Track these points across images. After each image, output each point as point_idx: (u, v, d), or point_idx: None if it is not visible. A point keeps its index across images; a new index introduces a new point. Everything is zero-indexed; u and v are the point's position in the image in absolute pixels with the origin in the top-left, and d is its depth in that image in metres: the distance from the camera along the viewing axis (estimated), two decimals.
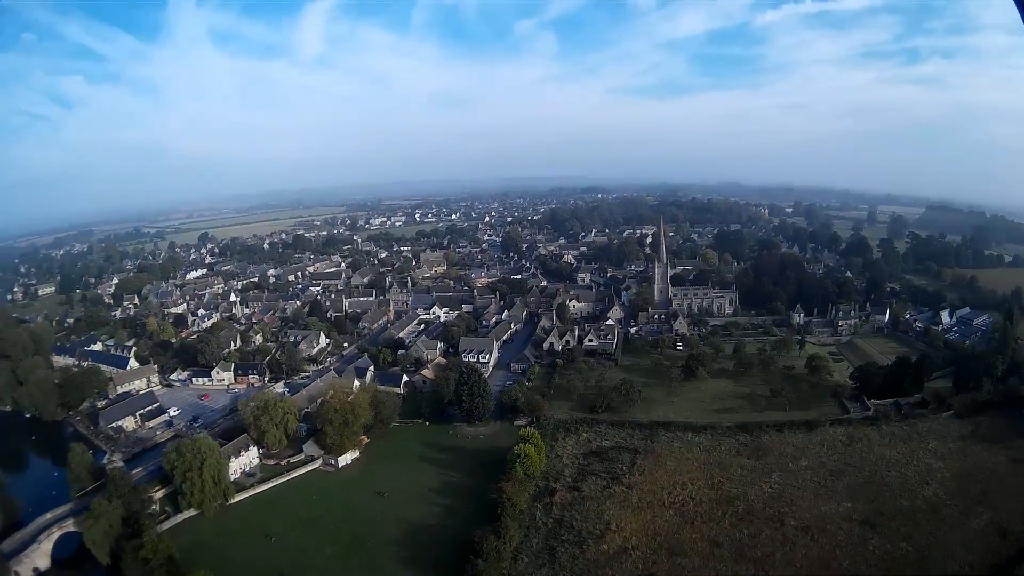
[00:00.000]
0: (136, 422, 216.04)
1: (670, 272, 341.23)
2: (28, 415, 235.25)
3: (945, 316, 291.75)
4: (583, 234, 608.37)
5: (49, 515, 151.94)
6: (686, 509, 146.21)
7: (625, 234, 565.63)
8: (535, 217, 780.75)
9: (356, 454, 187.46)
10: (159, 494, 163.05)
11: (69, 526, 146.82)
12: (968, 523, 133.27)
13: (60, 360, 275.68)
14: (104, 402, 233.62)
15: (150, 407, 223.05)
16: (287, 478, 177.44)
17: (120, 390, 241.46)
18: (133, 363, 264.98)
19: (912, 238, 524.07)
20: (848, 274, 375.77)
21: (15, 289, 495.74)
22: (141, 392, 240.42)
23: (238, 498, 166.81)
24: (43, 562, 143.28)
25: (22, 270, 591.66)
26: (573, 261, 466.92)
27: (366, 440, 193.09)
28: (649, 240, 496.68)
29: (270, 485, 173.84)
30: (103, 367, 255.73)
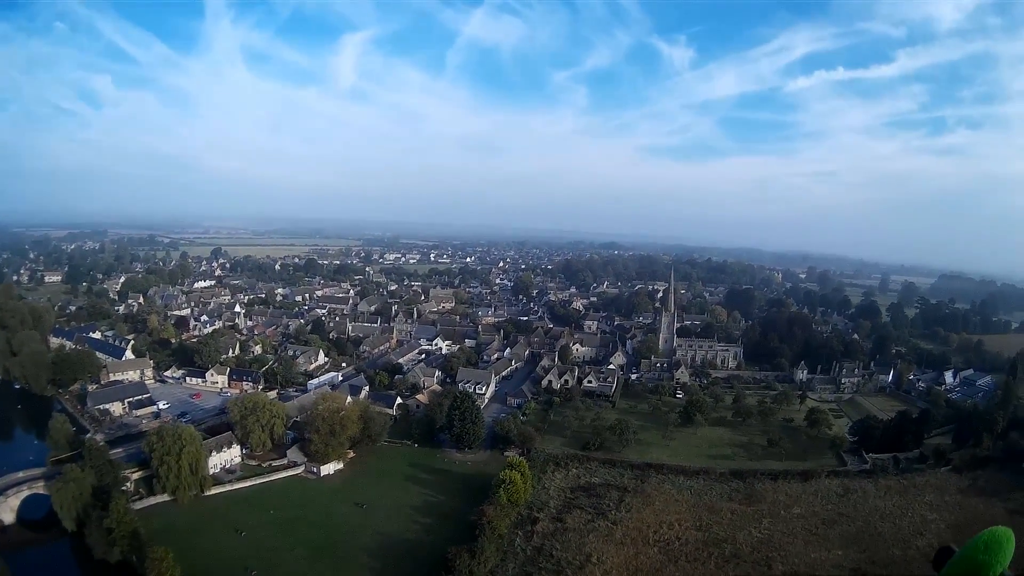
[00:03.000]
0: (124, 408, 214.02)
1: (677, 324, 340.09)
2: (18, 386, 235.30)
3: (949, 376, 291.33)
4: (595, 285, 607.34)
5: (21, 474, 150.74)
6: (671, 548, 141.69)
7: (637, 288, 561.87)
8: (549, 266, 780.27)
9: (340, 466, 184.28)
10: (135, 475, 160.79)
11: (40, 488, 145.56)
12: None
13: (57, 342, 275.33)
14: (95, 386, 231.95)
15: (140, 396, 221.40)
16: (267, 479, 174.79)
17: (112, 377, 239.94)
18: (129, 354, 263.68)
19: (922, 303, 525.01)
20: (855, 336, 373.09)
21: (21, 271, 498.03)
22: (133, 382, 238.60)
23: (214, 491, 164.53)
24: (8, 516, 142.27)
25: (31, 255, 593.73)
26: (581, 308, 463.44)
27: (352, 454, 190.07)
28: (660, 295, 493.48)
29: (248, 484, 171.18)
30: (99, 354, 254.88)
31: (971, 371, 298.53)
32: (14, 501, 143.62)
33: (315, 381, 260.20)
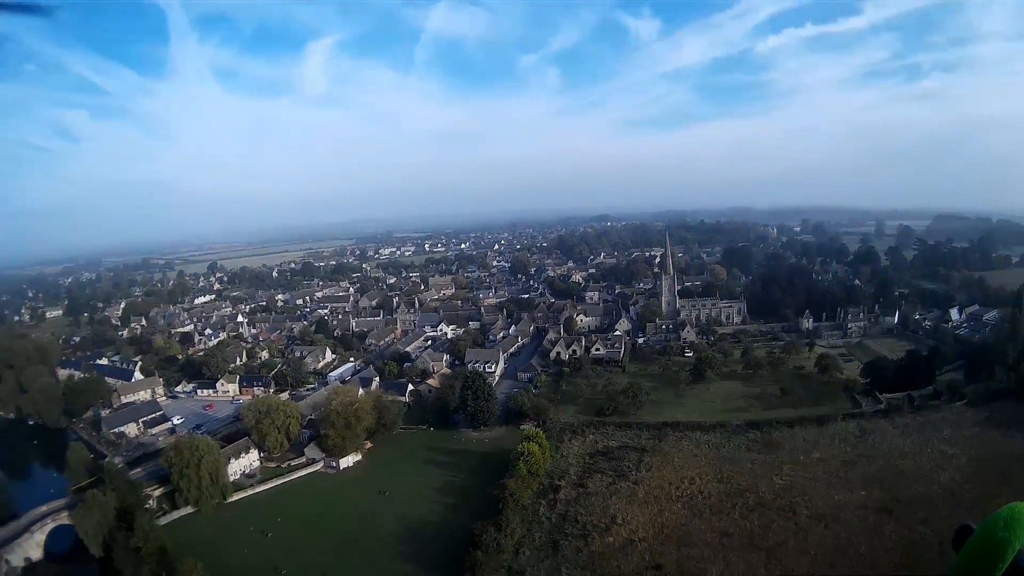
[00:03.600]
0: (139, 428, 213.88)
1: (677, 286, 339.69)
2: (31, 422, 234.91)
3: (954, 314, 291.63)
4: (592, 257, 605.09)
5: (44, 508, 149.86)
6: (695, 502, 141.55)
7: (634, 255, 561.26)
8: (544, 244, 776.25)
9: (358, 457, 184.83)
10: (156, 492, 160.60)
11: (63, 518, 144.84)
12: (987, 506, 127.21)
13: (65, 373, 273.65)
14: (108, 411, 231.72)
15: (153, 415, 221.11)
16: (287, 479, 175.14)
17: (124, 400, 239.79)
18: (138, 375, 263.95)
19: (920, 245, 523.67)
20: (856, 282, 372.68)
21: (22, 311, 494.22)
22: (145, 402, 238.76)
23: (236, 497, 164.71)
24: (36, 552, 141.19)
25: (29, 295, 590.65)
26: (581, 281, 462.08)
27: (369, 445, 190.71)
28: (657, 260, 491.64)
29: (269, 486, 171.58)
30: (108, 379, 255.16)
31: (976, 307, 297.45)
32: (40, 536, 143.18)
33: (334, 374, 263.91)
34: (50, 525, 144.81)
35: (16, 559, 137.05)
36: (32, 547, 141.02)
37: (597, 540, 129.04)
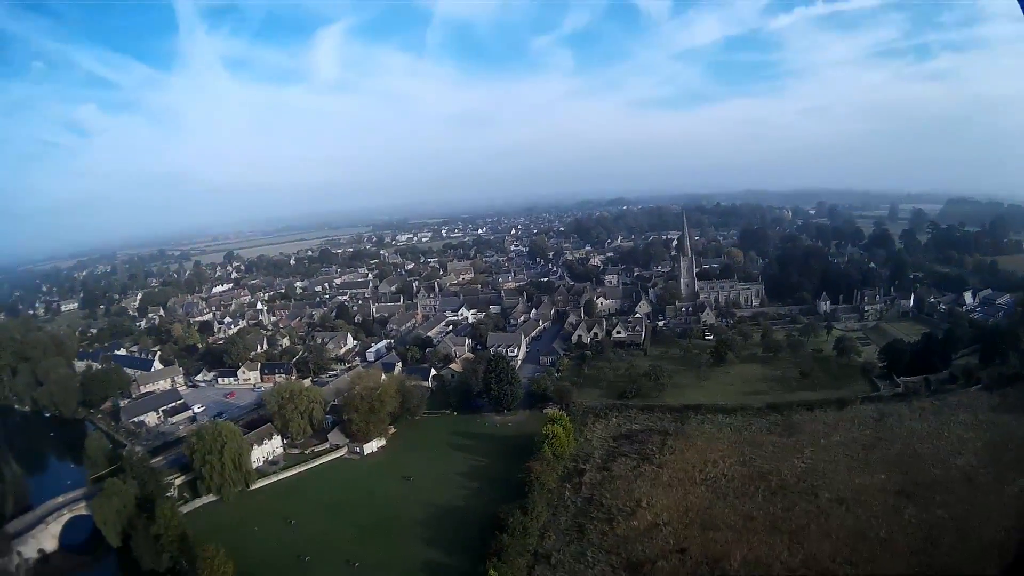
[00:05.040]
0: (159, 418, 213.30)
1: (696, 268, 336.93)
2: (48, 414, 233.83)
3: (968, 297, 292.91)
4: (609, 240, 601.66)
5: (60, 499, 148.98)
6: (718, 485, 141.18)
7: (651, 238, 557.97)
8: (561, 228, 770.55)
9: (382, 442, 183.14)
10: (178, 480, 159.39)
11: (81, 509, 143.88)
12: (1003, 489, 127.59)
13: (83, 364, 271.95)
14: (127, 401, 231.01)
15: (174, 403, 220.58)
16: (311, 465, 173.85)
17: (144, 390, 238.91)
18: (157, 365, 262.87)
19: (933, 229, 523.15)
20: (872, 265, 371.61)
21: (36, 305, 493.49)
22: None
23: (259, 484, 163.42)
24: (50, 544, 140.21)
25: (43, 288, 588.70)
26: (600, 264, 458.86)
27: (393, 430, 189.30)
28: (675, 243, 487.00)
29: (293, 472, 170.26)
30: (127, 369, 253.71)
31: (989, 291, 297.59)
32: (55, 527, 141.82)
33: (372, 350, 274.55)
34: (66, 516, 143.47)
35: (29, 551, 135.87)
36: (47, 538, 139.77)
37: (622, 524, 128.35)
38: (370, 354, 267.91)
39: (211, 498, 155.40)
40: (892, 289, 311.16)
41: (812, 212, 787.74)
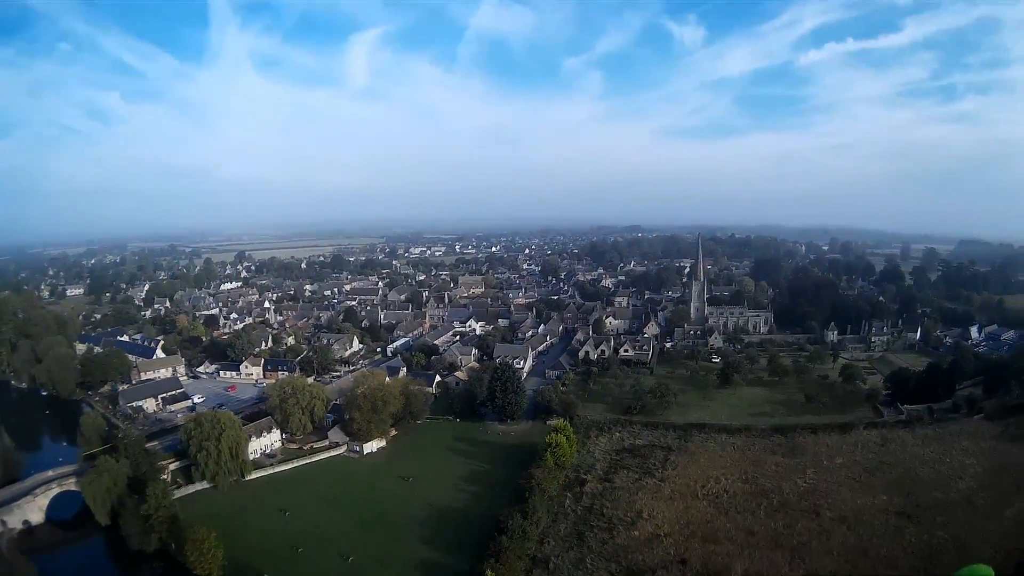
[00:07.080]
0: (157, 405, 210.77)
1: (707, 294, 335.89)
2: (45, 392, 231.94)
3: (974, 332, 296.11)
4: (622, 264, 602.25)
5: (50, 472, 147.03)
6: (720, 500, 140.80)
7: (664, 264, 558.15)
8: (575, 250, 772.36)
9: (382, 443, 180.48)
10: (172, 466, 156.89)
11: (71, 485, 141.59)
12: (1002, 512, 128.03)
13: (84, 347, 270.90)
14: (126, 386, 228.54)
15: (173, 392, 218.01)
16: (309, 461, 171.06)
17: (144, 376, 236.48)
18: (160, 353, 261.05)
19: (943, 267, 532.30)
20: (881, 298, 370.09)
21: (42, 287, 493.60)
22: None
23: (255, 475, 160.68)
24: (36, 516, 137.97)
25: (50, 272, 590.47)
26: (611, 286, 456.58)
27: (394, 432, 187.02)
28: (687, 270, 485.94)
29: (290, 466, 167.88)
30: (129, 355, 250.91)
31: (995, 327, 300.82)
32: (43, 500, 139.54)
33: (393, 346, 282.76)
34: (55, 490, 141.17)
35: (14, 520, 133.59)
36: (33, 511, 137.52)
37: (622, 533, 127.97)
38: (377, 358, 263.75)
39: (205, 485, 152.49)
40: (900, 322, 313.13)
41: (825, 248, 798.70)
